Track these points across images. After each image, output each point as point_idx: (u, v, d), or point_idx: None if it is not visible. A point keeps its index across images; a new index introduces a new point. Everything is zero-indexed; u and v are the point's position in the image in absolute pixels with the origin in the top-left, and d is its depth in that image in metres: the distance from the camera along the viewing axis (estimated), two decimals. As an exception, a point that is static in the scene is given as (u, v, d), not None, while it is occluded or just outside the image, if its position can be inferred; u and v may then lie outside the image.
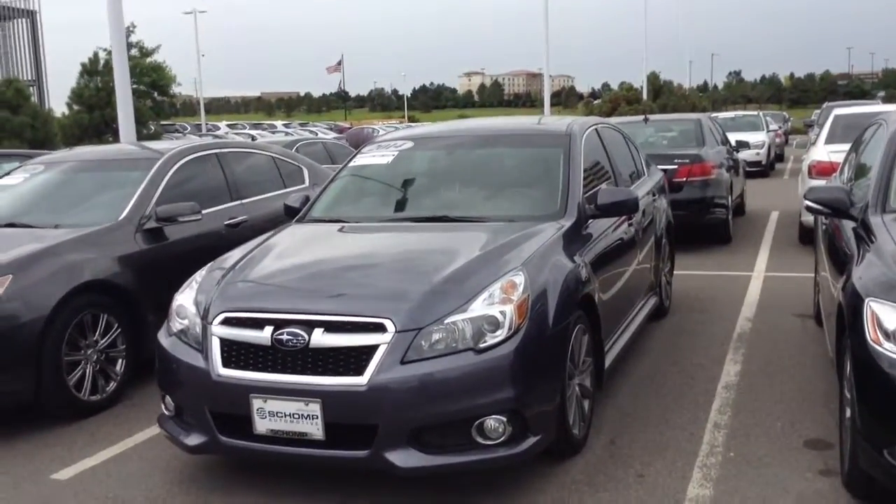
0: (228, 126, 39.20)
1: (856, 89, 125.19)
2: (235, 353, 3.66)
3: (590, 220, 4.65)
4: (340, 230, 4.73)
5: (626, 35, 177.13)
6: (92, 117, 28.98)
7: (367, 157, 5.38)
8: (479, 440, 3.47)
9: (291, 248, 4.50)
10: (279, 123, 45.68)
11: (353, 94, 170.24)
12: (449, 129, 5.77)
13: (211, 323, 3.77)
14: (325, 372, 3.48)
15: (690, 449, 4.12)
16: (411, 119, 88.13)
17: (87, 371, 5.01)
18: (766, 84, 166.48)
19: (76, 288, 4.94)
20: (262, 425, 3.57)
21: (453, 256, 3.97)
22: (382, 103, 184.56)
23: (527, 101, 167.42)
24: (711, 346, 5.86)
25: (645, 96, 41.62)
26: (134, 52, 33.35)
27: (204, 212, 5.93)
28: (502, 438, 3.47)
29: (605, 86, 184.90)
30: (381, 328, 3.47)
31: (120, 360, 5.25)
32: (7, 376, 4.62)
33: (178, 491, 3.93)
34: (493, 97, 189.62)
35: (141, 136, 19.79)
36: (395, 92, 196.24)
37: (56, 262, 4.95)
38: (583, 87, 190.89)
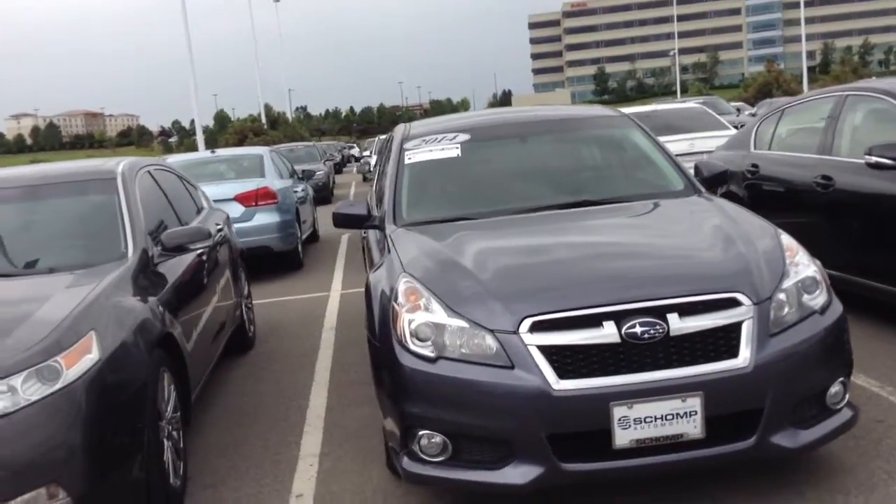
0: None
1: (410, 119, 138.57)
2: (571, 360, 3.07)
3: None
4: (501, 225, 4.14)
5: (180, 73, 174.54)
6: None
7: (423, 153, 4.77)
8: (831, 407, 3.35)
9: (494, 242, 3.86)
10: None
11: None
12: (499, 119, 5.35)
13: (516, 332, 3.11)
14: (695, 360, 3.09)
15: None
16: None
17: (168, 449, 3.74)
18: (332, 118, 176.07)
19: (156, 340, 3.67)
20: (624, 437, 3.04)
21: (694, 228, 3.81)
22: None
23: (93, 143, 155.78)
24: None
25: (266, 126, 41.71)
26: None
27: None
28: (843, 403, 3.39)
29: (176, 122, 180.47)
30: (734, 303, 3.18)
31: (178, 431, 3.99)
32: (124, 474, 3.26)
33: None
34: (50, 140, 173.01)
35: None
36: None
37: (118, 310, 3.62)
38: (151, 125, 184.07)
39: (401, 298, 3.42)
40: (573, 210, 4.26)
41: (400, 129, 5.31)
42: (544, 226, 4.09)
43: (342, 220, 4.61)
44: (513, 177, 4.75)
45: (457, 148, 4.76)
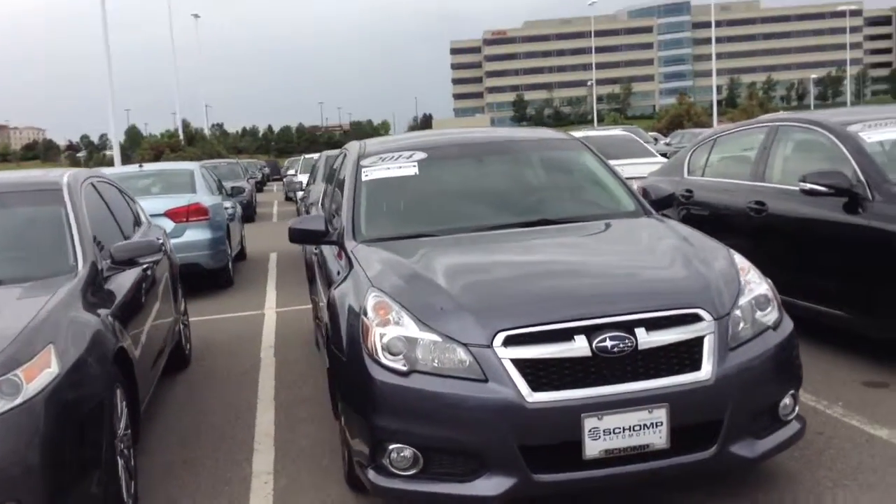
0: None
1: (329, 139, 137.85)
2: (544, 373, 3.13)
3: None
4: (463, 242, 4.18)
5: (89, 87, 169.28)
6: None
7: (381, 171, 4.78)
8: (782, 418, 3.50)
9: (460, 258, 3.89)
10: None
11: None
12: (455, 139, 5.39)
13: (490, 345, 3.15)
14: (660, 373, 3.20)
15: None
16: None
17: (121, 469, 3.62)
18: (249, 136, 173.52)
19: (111, 355, 3.57)
20: (594, 448, 3.12)
21: (653, 247, 3.95)
22: None
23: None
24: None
25: (183, 142, 40.88)
26: None
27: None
28: (793, 415, 3.54)
29: (85, 137, 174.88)
30: (696, 318, 3.30)
31: (130, 449, 3.87)
32: (82, 492, 3.15)
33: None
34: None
35: None
36: None
37: (75, 324, 3.52)
38: (58, 139, 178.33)
39: (370, 313, 3.42)
40: (532, 229, 4.34)
41: (355, 147, 5.30)
42: (506, 243, 4.16)
43: (299, 236, 4.57)
44: (470, 195, 4.81)
45: (414, 166, 4.79)
